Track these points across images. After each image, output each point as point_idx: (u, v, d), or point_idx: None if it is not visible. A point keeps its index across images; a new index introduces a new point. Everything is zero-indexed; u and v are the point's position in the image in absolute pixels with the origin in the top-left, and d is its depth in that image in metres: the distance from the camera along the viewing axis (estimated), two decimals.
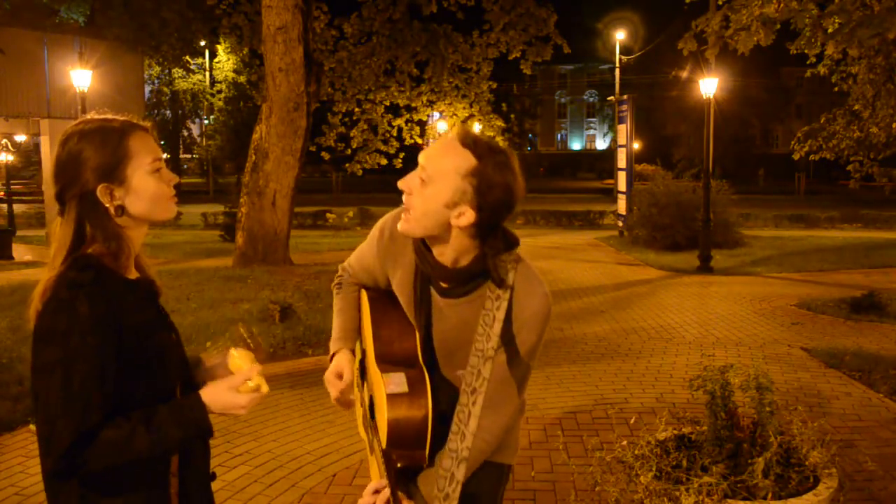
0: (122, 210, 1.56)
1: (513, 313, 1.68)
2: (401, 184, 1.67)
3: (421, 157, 1.65)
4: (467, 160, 1.59)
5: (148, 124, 1.64)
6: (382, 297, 1.88)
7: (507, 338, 1.69)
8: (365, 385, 1.96)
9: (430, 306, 1.76)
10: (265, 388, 1.58)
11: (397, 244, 1.81)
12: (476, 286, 1.70)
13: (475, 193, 1.59)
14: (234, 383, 1.57)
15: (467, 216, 1.61)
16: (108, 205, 1.55)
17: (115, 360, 1.47)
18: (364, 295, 1.94)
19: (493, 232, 1.66)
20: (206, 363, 1.81)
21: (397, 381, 1.67)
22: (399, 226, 1.70)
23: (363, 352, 1.98)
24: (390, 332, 1.80)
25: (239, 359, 1.62)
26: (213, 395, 1.55)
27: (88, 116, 1.63)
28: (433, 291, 1.75)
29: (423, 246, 1.72)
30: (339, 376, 1.88)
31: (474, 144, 1.60)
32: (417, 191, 1.63)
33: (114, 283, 1.53)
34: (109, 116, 1.62)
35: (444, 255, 1.68)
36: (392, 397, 1.66)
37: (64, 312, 1.44)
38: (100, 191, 1.54)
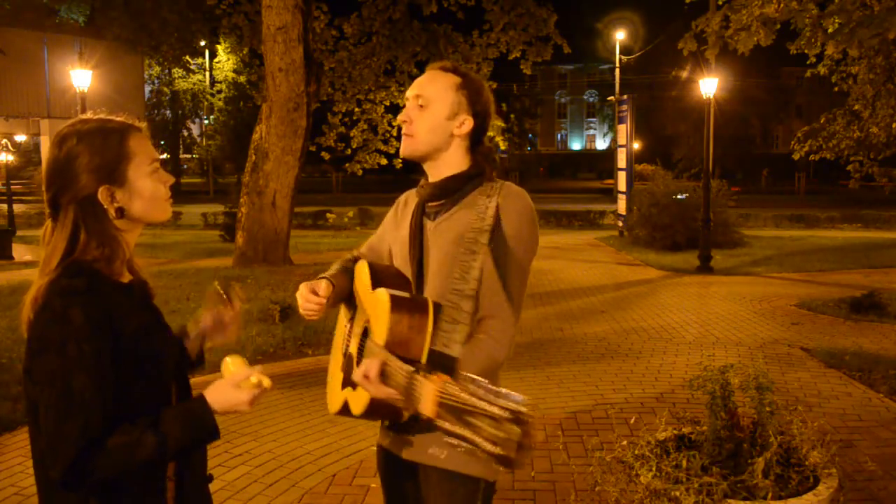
0: (121, 212, 1.54)
1: (499, 211, 1.84)
2: (401, 117, 1.91)
3: (413, 90, 1.91)
4: (454, 78, 1.90)
5: (143, 125, 1.62)
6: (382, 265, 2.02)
7: (497, 235, 1.81)
8: (351, 330, 1.98)
9: (423, 236, 1.92)
10: (267, 382, 1.56)
11: (409, 206, 2.05)
12: (462, 196, 1.88)
13: (469, 102, 1.89)
14: (236, 380, 1.54)
15: (467, 123, 1.89)
16: (108, 207, 1.53)
17: (112, 367, 1.45)
18: (363, 262, 2.00)
19: (481, 141, 1.94)
20: (190, 332, 1.82)
21: (399, 292, 1.75)
22: (402, 151, 1.94)
23: (352, 312, 2.00)
24: (389, 276, 1.91)
25: (233, 365, 1.60)
26: (216, 394, 1.53)
27: (84, 116, 1.60)
28: (426, 221, 1.93)
29: (423, 178, 1.97)
30: (314, 292, 1.89)
31: (453, 69, 1.93)
32: (418, 116, 1.88)
33: (107, 289, 1.50)
34: (105, 116, 1.60)
35: (440, 172, 1.91)
36: (395, 297, 1.70)
37: (58, 322, 1.42)
38: (101, 193, 1.52)
